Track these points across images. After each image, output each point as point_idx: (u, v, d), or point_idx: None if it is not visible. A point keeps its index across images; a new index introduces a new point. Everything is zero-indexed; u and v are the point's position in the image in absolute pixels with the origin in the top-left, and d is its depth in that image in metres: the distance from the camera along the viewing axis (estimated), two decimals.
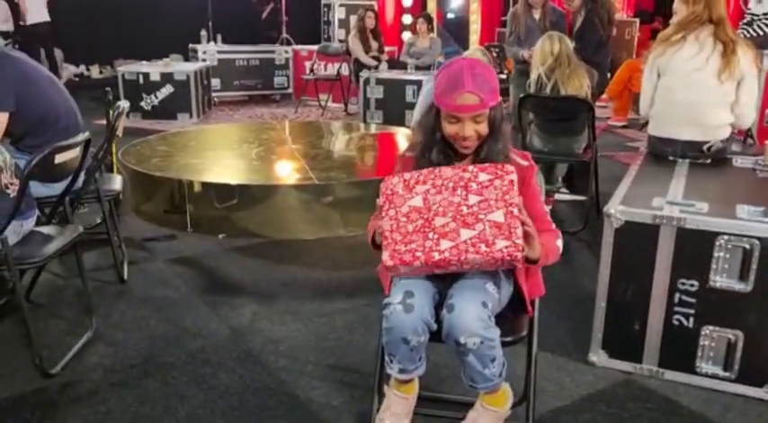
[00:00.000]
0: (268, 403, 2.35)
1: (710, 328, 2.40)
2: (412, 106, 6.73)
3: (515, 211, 1.68)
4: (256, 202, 4.08)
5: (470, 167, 1.77)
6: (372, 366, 2.54)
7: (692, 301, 2.40)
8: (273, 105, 9.16)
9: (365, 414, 2.26)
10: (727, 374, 2.42)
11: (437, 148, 1.88)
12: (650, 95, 3.34)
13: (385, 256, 1.75)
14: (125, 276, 3.34)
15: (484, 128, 1.84)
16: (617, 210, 2.44)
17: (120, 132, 3.42)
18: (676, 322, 2.45)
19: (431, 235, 1.73)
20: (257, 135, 5.55)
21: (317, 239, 3.97)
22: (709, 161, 3.16)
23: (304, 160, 4.59)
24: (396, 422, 1.99)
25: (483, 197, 1.74)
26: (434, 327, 1.80)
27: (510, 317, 1.93)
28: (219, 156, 4.93)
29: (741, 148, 4.62)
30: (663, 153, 3.27)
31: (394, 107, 6.93)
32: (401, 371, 1.89)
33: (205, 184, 4.10)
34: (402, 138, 5.50)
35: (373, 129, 6.30)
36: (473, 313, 1.73)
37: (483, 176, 1.75)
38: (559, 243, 1.90)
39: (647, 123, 7.83)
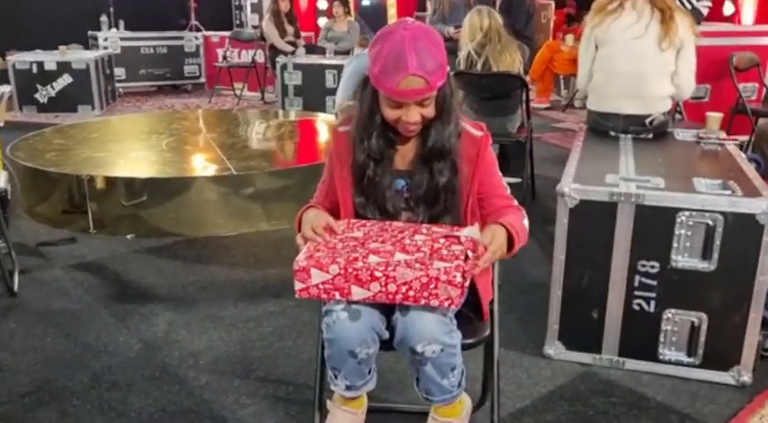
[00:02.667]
0: None
1: (673, 311, 2.23)
2: (332, 92, 6.41)
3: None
4: (168, 197, 3.69)
5: (426, 226, 1.61)
6: (309, 376, 2.25)
7: (653, 283, 2.23)
8: (185, 95, 8.62)
9: None
10: (691, 360, 2.26)
11: (376, 133, 1.59)
12: (588, 68, 3.17)
13: (299, 257, 1.48)
14: (15, 288, 2.89)
15: (430, 110, 1.55)
16: (571, 188, 2.23)
17: (1, 122, 2.96)
18: (637, 307, 2.27)
19: (360, 250, 1.48)
20: (167, 125, 5.11)
21: (237, 235, 3.61)
22: (651, 136, 3.02)
23: (220, 150, 4.21)
24: None
25: (431, 238, 1.53)
26: (386, 335, 1.52)
27: (468, 315, 1.68)
28: (125, 148, 4.47)
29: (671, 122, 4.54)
30: (604, 128, 3.10)
31: (314, 94, 6.59)
32: (348, 388, 1.60)
33: (109, 180, 3.67)
34: (323, 124, 5.19)
35: (293, 116, 5.95)
36: (431, 316, 1.46)
37: (438, 229, 1.59)
38: (526, 222, 1.65)
39: (570, 104, 7.82)
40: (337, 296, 1.45)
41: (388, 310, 1.51)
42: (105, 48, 8.08)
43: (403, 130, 1.58)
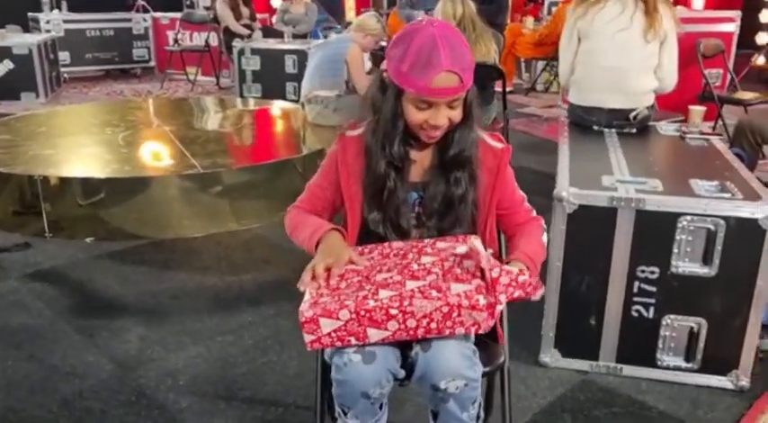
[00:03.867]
0: None
1: (672, 316, 2.18)
2: (293, 78, 6.23)
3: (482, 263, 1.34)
4: (129, 197, 3.48)
5: (426, 240, 1.48)
6: (298, 395, 2.16)
7: (653, 289, 2.17)
8: (134, 81, 8.27)
9: None
10: (689, 365, 2.22)
11: (399, 139, 1.47)
12: (571, 61, 3.09)
13: (303, 306, 1.30)
14: None
15: (458, 114, 1.44)
16: (569, 193, 2.14)
17: None
18: (635, 313, 2.21)
19: (368, 287, 1.34)
20: (122, 116, 4.84)
21: (205, 237, 3.44)
22: (634, 130, 2.96)
23: (182, 144, 4.00)
24: None
25: (439, 257, 1.41)
26: (402, 374, 1.40)
27: (483, 340, 1.57)
28: (78, 143, 4.20)
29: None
30: (587, 123, 3.03)
31: (273, 79, 6.37)
32: None
33: (65, 180, 3.44)
34: (290, 113, 5.00)
35: (253, 104, 5.72)
36: (455, 350, 1.35)
37: (440, 245, 1.46)
38: (545, 238, 1.58)
39: (532, 88, 7.78)
40: (353, 341, 1.31)
41: (404, 344, 1.39)
42: (48, 31, 7.65)
43: (425, 137, 1.46)
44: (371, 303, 1.28)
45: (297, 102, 5.10)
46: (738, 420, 2.07)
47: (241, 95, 6.46)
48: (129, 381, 2.23)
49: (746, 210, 2.05)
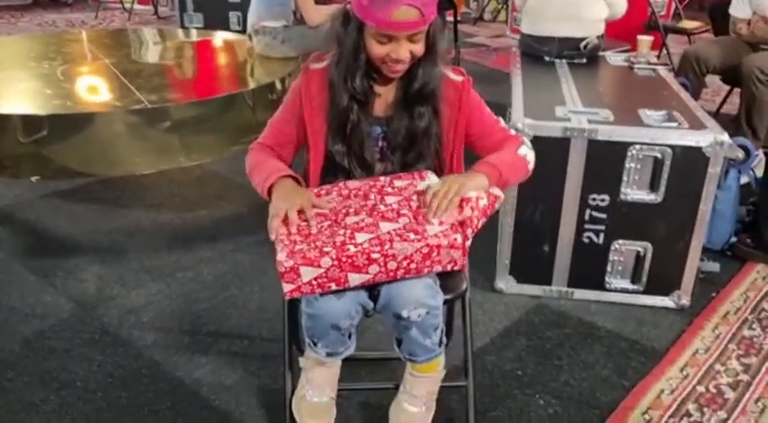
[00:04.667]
0: (146, 395, 1.90)
1: (620, 242, 2.29)
2: (236, 7, 6.01)
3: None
4: (74, 133, 3.35)
5: (382, 178, 1.49)
6: (262, 328, 2.21)
7: (603, 216, 2.26)
8: (66, 10, 7.84)
9: (270, 391, 1.91)
10: (635, 287, 2.35)
11: (361, 73, 1.46)
12: None
13: (281, 256, 1.28)
14: None
15: (420, 47, 1.43)
16: (525, 124, 2.18)
17: None
18: (586, 240, 2.30)
19: (341, 231, 1.33)
20: (57, 48, 4.59)
21: (157, 174, 3.36)
22: (585, 60, 3.01)
23: (125, 78, 3.85)
24: (321, 396, 1.63)
25: (402, 197, 1.43)
26: (371, 305, 1.44)
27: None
28: (13, 77, 3.99)
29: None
30: (538, 53, 3.06)
31: (215, 9, 6.12)
32: (329, 354, 1.53)
33: (4, 117, 3.29)
34: (236, 45, 4.84)
35: (197, 35, 5.52)
36: (419, 281, 1.39)
37: (399, 183, 1.47)
38: (523, 151, 1.55)
39: (480, 18, 7.71)
40: (333, 287, 1.33)
41: None
42: None
43: (387, 71, 1.45)
44: (352, 249, 1.29)
45: (242, 32, 4.95)
46: (679, 336, 2.21)
47: (182, 26, 6.21)
48: (91, 319, 2.23)
49: (692, 138, 2.13)
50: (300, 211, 1.37)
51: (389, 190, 1.46)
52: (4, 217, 2.91)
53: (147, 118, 3.44)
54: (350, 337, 1.53)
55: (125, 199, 3.10)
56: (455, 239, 1.32)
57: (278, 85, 3.99)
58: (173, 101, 3.54)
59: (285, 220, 1.35)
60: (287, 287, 1.30)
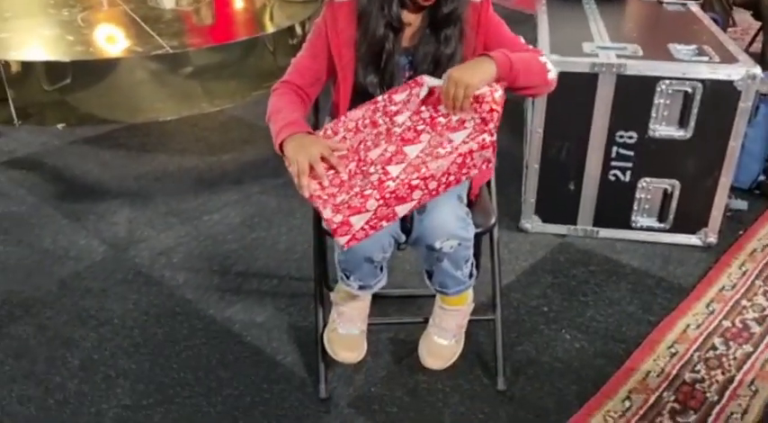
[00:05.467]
0: (180, 332, 1.95)
1: (648, 179, 2.27)
2: None
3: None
4: (98, 80, 3.38)
5: (379, 98, 1.45)
6: (290, 268, 2.24)
7: (630, 153, 2.24)
8: None
9: (300, 328, 1.95)
10: (662, 225, 2.34)
11: (395, 11, 1.43)
12: None
13: (327, 214, 1.26)
14: None
15: None
16: (550, 60, 2.14)
17: None
18: (612, 177, 2.29)
19: (372, 169, 1.32)
20: None
21: (181, 119, 3.39)
22: None
23: (146, 24, 3.83)
24: (352, 329, 1.67)
25: (410, 111, 1.40)
26: (403, 238, 1.46)
27: (475, 202, 1.64)
28: (35, 24, 4.00)
29: None
30: None
31: None
32: (362, 287, 1.55)
33: (28, 64, 3.31)
34: None
35: None
36: (451, 212, 1.41)
37: (398, 97, 1.44)
38: (544, 59, 1.49)
39: None
40: (384, 224, 1.32)
41: None
42: None
43: None
44: (392, 185, 1.27)
45: None
46: (706, 273, 2.21)
47: None
48: (124, 261, 2.28)
49: (723, 72, 2.09)
50: (323, 159, 1.34)
51: (393, 108, 1.43)
52: (34, 163, 2.95)
53: (170, 64, 3.46)
54: (381, 269, 1.56)
55: (150, 144, 3.12)
56: (483, 140, 1.31)
57: (298, 30, 3.96)
58: (194, 46, 3.54)
59: (312, 174, 1.33)
60: (342, 240, 1.29)
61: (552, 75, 1.49)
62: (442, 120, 1.37)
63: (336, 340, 1.67)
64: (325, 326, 1.74)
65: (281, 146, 1.39)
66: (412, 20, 1.50)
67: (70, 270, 2.22)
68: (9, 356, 1.85)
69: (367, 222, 1.29)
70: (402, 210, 1.31)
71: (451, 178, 1.32)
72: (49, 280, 2.17)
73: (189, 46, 3.49)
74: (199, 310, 2.04)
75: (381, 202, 1.27)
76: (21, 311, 2.03)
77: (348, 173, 1.34)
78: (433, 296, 1.71)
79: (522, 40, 1.56)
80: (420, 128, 1.38)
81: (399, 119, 1.42)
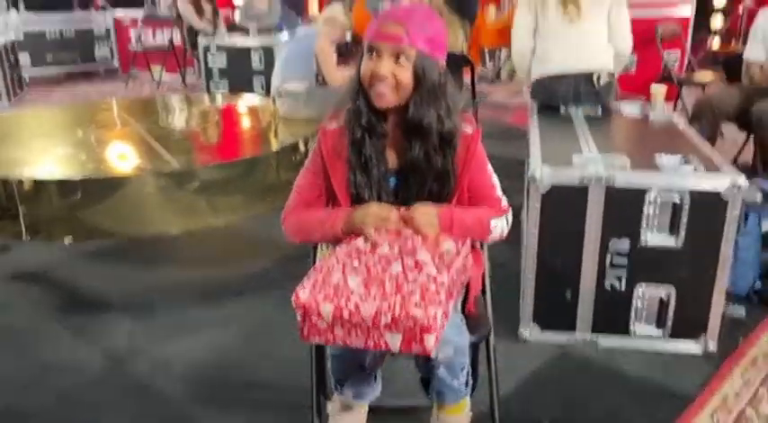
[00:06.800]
0: None
1: (643, 286, 2.30)
2: (260, 73, 6.25)
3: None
4: (107, 196, 3.48)
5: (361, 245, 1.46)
6: (291, 378, 2.21)
7: (624, 261, 2.28)
8: (98, 82, 8.19)
9: None
10: (660, 332, 2.35)
11: (364, 113, 1.50)
12: (530, 28, 3.20)
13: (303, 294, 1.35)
14: None
15: (405, 74, 1.44)
16: (543, 172, 2.24)
17: None
18: (608, 286, 2.32)
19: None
20: (91, 117, 4.80)
21: (185, 233, 3.46)
22: (600, 113, 3.09)
23: (156, 143, 4.00)
24: None
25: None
26: None
27: (470, 312, 1.66)
28: (50, 144, 4.17)
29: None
30: (552, 97, 3.13)
31: (240, 75, 6.36)
32: (356, 396, 1.56)
33: (40, 182, 3.43)
34: (260, 108, 5.01)
35: (222, 100, 5.72)
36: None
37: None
38: (495, 222, 1.56)
39: (497, 77, 7.86)
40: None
41: None
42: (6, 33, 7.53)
43: (374, 95, 1.47)
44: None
45: (266, 96, 5.12)
46: (708, 381, 2.19)
47: (208, 92, 6.44)
48: (123, 373, 2.27)
49: (709, 182, 2.17)
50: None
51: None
52: (39, 277, 3.00)
53: (177, 180, 3.56)
54: (375, 378, 1.56)
55: (154, 258, 3.18)
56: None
57: (301, 146, 4.12)
58: (201, 163, 3.67)
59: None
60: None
61: (495, 233, 1.57)
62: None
63: None
64: None
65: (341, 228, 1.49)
66: (392, 141, 1.55)
67: (68, 382, 2.21)
68: None
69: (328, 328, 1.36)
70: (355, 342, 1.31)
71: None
72: (46, 393, 2.16)
73: (196, 163, 3.63)
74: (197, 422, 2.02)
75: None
76: None
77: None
78: (431, 408, 1.70)
79: (498, 190, 1.62)
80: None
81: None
